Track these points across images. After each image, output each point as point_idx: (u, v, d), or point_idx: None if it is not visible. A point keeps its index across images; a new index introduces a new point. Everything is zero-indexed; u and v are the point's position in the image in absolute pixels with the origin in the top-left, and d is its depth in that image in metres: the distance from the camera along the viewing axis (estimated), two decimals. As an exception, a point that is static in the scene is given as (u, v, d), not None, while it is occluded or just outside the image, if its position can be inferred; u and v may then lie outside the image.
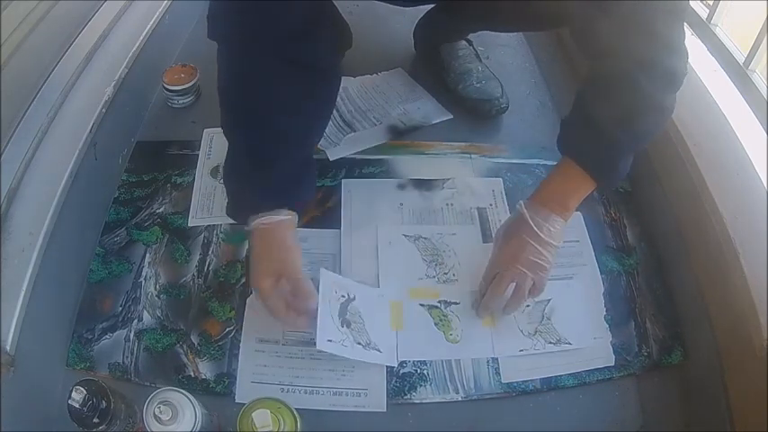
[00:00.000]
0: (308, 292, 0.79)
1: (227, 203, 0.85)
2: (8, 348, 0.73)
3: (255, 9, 0.73)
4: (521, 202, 0.83)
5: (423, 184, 1.05)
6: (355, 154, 1.09)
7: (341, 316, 0.84)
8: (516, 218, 0.82)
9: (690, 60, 1.02)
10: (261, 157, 0.80)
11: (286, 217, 0.80)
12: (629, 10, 0.70)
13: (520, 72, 1.30)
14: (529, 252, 0.79)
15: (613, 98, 0.77)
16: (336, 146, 1.09)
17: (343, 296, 0.86)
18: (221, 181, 1.05)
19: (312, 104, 0.83)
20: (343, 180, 1.04)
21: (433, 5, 1.20)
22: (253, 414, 0.66)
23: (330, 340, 0.81)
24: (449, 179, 1.05)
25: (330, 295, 0.85)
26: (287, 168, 0.81)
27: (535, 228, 0.79)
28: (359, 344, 0.83)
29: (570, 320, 0.87)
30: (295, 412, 0.69)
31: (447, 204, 1.02)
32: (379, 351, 0.84)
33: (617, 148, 0.79)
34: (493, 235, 0.96)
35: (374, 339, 0.84)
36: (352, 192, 1.02)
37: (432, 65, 1.24)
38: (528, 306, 0.87)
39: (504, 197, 1.03)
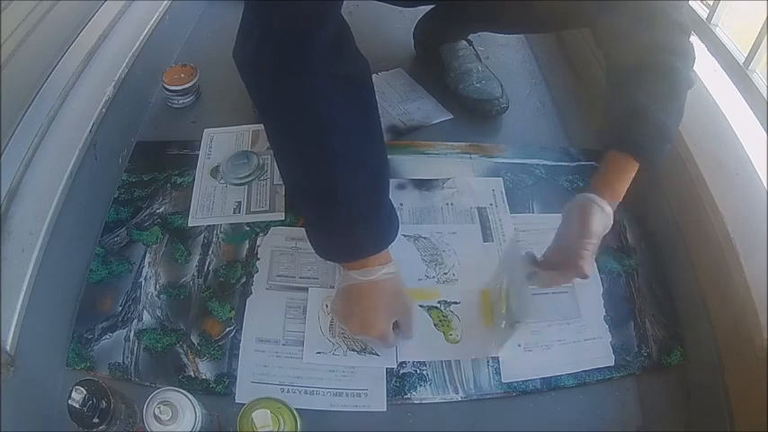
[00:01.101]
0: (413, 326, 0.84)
1: (324, 246, 0.83)
2: (8, 348, 0.73)
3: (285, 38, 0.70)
4: (591, 195, 0.77)
5: (422, 184, 1.05)
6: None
7: (332, 327, 0.86)
8: (587, 205, 0.77)
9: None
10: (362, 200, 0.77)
11: (395, 268, 0.82)
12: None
13: (520, 72, 1.30)
14: (605, 230, 0.77)
15: (655, 86, 0.78)
16: None
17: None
18: (221, 181, 1.05)
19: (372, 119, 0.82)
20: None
21: (432, 6, 1.20)
22: (253, 414, 0.66)
23: (319, 352, 0.83)
24: (449, 179, 1.05)
25: (318, 309, 0.87)
26: (385, 203, 0.82)
27: (607, 211, 0.76)
28: (353, 350, 0.84)
29: (569, 321, 0.88)
30: (295, 412, 0.69)
31: (447, 204, 1.02)
32: (376, 355, 0.84)
33: (666, 134, 0.78)
34: (494, 235, 0.97)
35: (370, 343, 0.84)
36: None
37: (432, 65, 1.24)
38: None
39: (504, 197, 1.03)
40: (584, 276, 0.75)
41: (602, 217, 0.75)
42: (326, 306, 0.88)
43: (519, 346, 0.85)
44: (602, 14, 0.76)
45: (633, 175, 0.79)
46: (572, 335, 0.87)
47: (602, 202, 0.75)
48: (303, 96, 0.73)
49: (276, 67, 0.72)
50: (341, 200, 0.76)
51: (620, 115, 0.80)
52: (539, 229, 0.97)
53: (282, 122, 0.76)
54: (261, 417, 0.66)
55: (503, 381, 0.83)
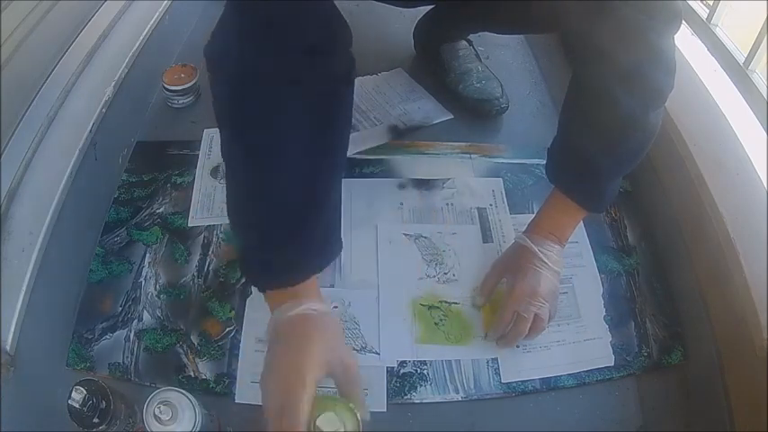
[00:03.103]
0: (357, 377, 0.65)
1: (249, 267, 0.70)
2: (8, 348, 0.73)
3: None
4: (521, 235, 0.84)
5: (423, 184, 1.05)
6: (356, 154, 1.09)
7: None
8: (520, 251, 0.83)
9: (690, 60, 1.03)
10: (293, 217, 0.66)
11: (326, 308, 0.67)
12: (626, 15, 0.68)
13: (520, 72, 1.30)
14: (545, 283, 0.80)
15: (594, 121, 0.75)
16: None
17: (335, 306, 0.86)
18: (221, 181, 1.05)
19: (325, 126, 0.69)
20: (342, 180, 1.03)
21: (432, 6, 1.20)
22: (318, 420, 0.58)
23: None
24: (449, 179, 1.05)
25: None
26: (323, 222, 0.69)
27: (545, 259, 0.80)
28: (354, 350, 0.83)
29: (570, 320, 0.88)
30: (354, 408, 0.61)
31: (447, 204, 1.02)
32: (377, 354, 0.84)
33: (602, 175, 0.79)
34: (494, 236, 0.97)
35: (370, 342, 0.84)
36: (353, 191, 1.02)
37: (432, 65, 1.24)
38: None
39: (504, 197, 1.03)
40: (542, 330, 0.81)
41: (548, 276, 0.80)
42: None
43: (518, 347, 0.85)
44: (592, 17, 0.71)
45: (580, 216, 0.83)
46: (572, 335, 0.87)
47: (544, 249, 0.80)
48: (260, 102, 0.64)
49: (241, 68, 0.65)
50: (260, 216, 0.66)
51: (562, 152, 0.82)
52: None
53: (234, 126, 0.67)
54: (328, 421, 0.59)
55: (502, 381, 0.83)
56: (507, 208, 1.01)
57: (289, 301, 0.64)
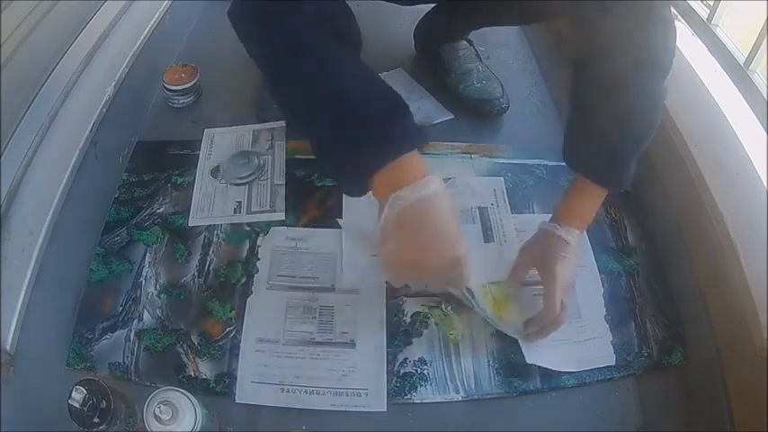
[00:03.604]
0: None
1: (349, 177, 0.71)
2: (8, 348, 0.73)
3: None
4: (551, 223, 0.84)
5: (423, 184, 1.04)
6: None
7: None
8: (552, 239, 0.83)
9: (690, 60, 1.03)
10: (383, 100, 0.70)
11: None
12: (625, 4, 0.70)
13: (520, 72, 1.30)
14: (572, 272, 0.83)
15: (612, 105, 0.76)
16: None
17: None
18: (221, 181, 1.05)
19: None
20: (343, 182, 1.03)
21: (433, 5, 1.20)
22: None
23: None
24: (449, 179, 1.05)
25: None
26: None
27: (574, 247, 0.82)
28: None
29: (571, 320, 0.88)
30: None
31: None
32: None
33: (626, 154, 0.80)
34: (495, 236, 0.97)
35: (434, 284, 0.80)
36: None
37: (432, 65, 1.24)
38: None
39: (506, 196, 1.03)
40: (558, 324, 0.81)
41: (569, 262, 0.81)
42: None
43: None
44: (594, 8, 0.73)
45: (602, 197, 0.84)
46: (573, 335, 0.87)
47: (570, 237, 0.81)
48: (296, 36, 0.68)
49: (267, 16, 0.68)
50: (353, 101, 0.68)
51: (582, 137, 0.83)
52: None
53: (278, 48, 0.69)
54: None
55: (527, 361, 0.83)
56: (509, 207, 1.01)
57: (406, 184, 0.65)
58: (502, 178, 1.06)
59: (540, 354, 0.84)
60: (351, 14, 0.79)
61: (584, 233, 0.95)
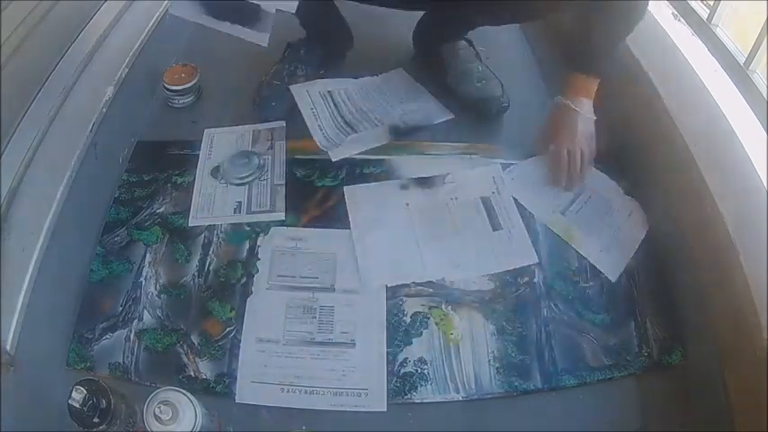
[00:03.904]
0: None
1: None
2: (8, 348, 0.73)
3: None
4: (556, 97, 1.03)
5: (424, 182, 1.05)
6: (357, 154, 1.09)
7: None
8: (556, 109, 1.03)
9: (690, 60, 1.03)
10: None
11: None
12: None
13: (520, 72, 1.30)
14: (581, 127, 1.01)
15: (609, 13, 0.93)
16: (338, 146, 1.09)
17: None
18: (222, 181, 1.05)
19: None
20: (345, 187, 1.03)
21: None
22: None
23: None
24: (448, 174, 1.05)
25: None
26: None
27: (578, 109, 1.00)
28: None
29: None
30: None
31: (451, 198, 1.02)
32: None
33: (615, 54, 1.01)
34: (502, 223, 1.00)
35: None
36: (358, 197, 1.02)
37: (432, 65, 1.24)
38: None
39: (505, 182, 1.04)
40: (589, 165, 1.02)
41: (579, 119, 1.00)
42: None
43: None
44: None
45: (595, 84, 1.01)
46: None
47: (580, 103, 1.00)
48: None
49: None
50: None
51: (585, 49, 1.00)
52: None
53: None
54: None
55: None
56: (510, 192, 1.02)
57: None
58: (499, 165, 1.07)
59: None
60: (339, 15, 0.83)
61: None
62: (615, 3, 0.91)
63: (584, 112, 1.00)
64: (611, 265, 0.94)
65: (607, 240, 0.97)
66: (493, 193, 1.03)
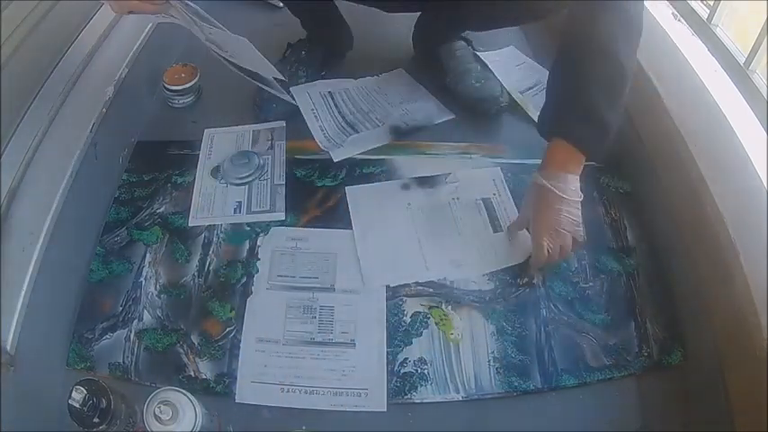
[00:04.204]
0: None
1: None
2: (8, 348, 0.73)
3: None
4: (535, 173, 0.87)
5: (426, 182, 1.05)
6: (357, 154, 1.09)
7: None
8: (536, 189, 0.88)
9: (690, 60, 1.03)
10: None
11: None
12: None
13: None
14: (564, 216, 0.85)
15: (595, 72, 0.82)
16: (340, 147, 1.09)
17: None
18: (222, 181, 1.05)
19: None
20: (346, 188, 1.03)
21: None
22: None
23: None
24: (449, 173, 1.06)
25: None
26: None
27: (560, 194, 0.84)
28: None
29: None
30: None
31: (453, 199, 1.02)
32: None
33: (609, 123, 0.83)
34: (502, 224, 0.99)
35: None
36: (358, 198, 1.02)
37: (431, 65, 1.24)
38: None
39: (505, 184, 1.04)
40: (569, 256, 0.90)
41: (563, 205, 0.84)
42: None
43: None
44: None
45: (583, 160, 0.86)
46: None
47: (561, 182, 0.84)
48: None
49: None
50: None
51: (566, 108, 0.86)
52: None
53: None
54: None
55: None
56: (510, 195, 1.03)
57: None
58: (499, 168, 1.07)
59: None
60: (340, 16, 0.83)
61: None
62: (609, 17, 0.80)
63: (569, 194, 0.84)
64: None
65: None
66: (494, 194, 1.03)
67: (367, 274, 0.92)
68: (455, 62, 1.19)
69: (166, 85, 1.17)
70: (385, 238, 0.96)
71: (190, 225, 0.99)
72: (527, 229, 0.91)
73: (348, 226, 0.98)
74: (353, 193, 1.02)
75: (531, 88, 1.22)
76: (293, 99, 1.09)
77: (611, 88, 0.82)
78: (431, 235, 0.97)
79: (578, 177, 0.85)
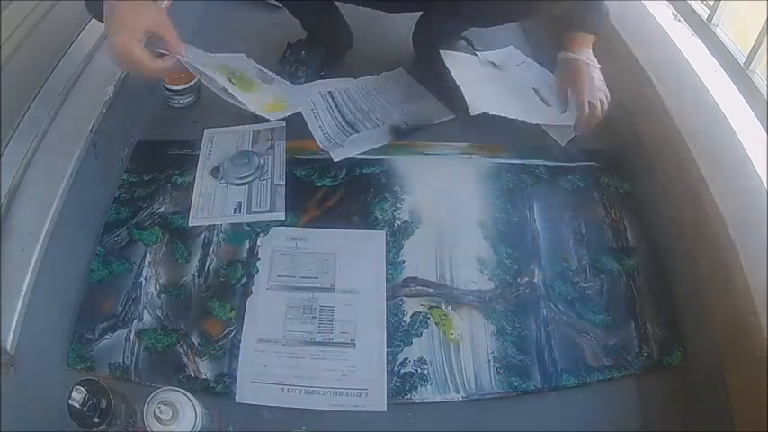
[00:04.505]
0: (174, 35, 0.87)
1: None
2: (8, 348, 0.73)
3: None
4: (561, 53, 1.08)
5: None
6: (357, 154, 1.09)
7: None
8: (569, 62, 1.07)
9: (690, 60, 1.03)
10: None
11: None
12: None
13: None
14: (596, 78, 1.05)
15: None
16: (339, 147, 1.09)
17: None
18: (221, 181, 1.05)
19: None
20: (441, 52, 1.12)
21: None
22: None
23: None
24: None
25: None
26: None
27: (588, 62, 1.05)
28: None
29: None
30: None
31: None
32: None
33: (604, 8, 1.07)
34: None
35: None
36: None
37: (431, 65, 1.24)
38: None
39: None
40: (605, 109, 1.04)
41: (589, 69, 1.05)
42: None
43: None
44: None
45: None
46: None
47: (586, 55, 1.06)
48: None
49: None
50: None
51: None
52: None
53: None
54: None
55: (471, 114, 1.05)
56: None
57: None
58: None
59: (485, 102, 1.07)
60: (340, 16, 0.84)
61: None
62: None
63: (592, 61, 1.05)
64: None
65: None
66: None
67: (470, 99, 1.07)
68: (455, 61, 1.19)
69: (166, 85, 1.17)
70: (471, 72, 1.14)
71: (190, 225, 0.99)
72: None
73: (348, 226, 0.98)
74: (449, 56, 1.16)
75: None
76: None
77: None
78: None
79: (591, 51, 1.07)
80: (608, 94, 1.04)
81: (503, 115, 1.07)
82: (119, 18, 0.79)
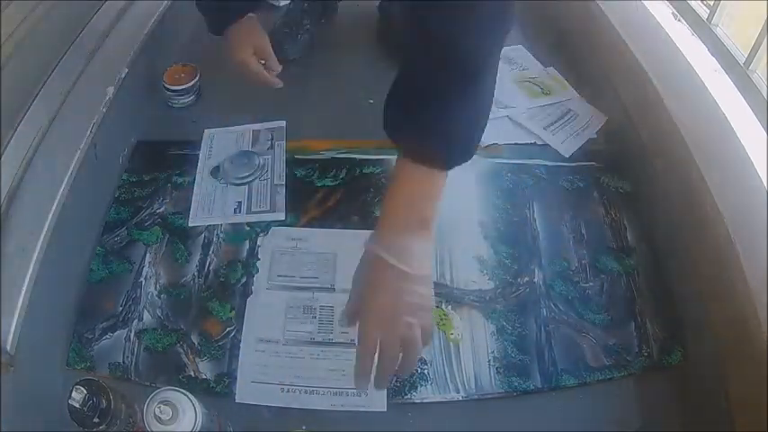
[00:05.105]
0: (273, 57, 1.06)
1: (207, 22, 1.08)
2: (8, 348, 0.73)
3: None
4: (367, 242, 0.66)
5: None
6: (356, 154, 1.09)
7: None
8: (371, 260, 0.65)
9: (690, 60, 1.03)
10: None
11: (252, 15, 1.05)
12: None
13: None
14: (405, 298, 0.62)
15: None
16: None
17: None
18: (222, 181, 1.05)
19: None
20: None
21: None
22: None
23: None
24: None
25: None
26: None
27: (400, 266, 0.61)
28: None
29: None
30: None
31: None
32: None
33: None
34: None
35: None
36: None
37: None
38: None
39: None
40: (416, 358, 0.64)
41: (404, 282, 0.61)
42: None
43: None
44: None
45: (435, 182, 0.64)
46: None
47: (403, 252, 0.61)
48: None
49: None
50: None
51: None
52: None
53: None
54: None
55: None
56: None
57: None
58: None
59: None
60: None
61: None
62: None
63: (414, 268, 0.61)
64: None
65: None
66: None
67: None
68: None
69: (166, 85, 1.17)
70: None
71: (190, 225, 0.99)
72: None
73: (348, 226, 0.98)
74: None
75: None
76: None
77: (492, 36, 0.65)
78: None
79: (426, 240, 0.62)
80: (428, 327, 0.65)
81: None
82: (235, 41, 1.04)
